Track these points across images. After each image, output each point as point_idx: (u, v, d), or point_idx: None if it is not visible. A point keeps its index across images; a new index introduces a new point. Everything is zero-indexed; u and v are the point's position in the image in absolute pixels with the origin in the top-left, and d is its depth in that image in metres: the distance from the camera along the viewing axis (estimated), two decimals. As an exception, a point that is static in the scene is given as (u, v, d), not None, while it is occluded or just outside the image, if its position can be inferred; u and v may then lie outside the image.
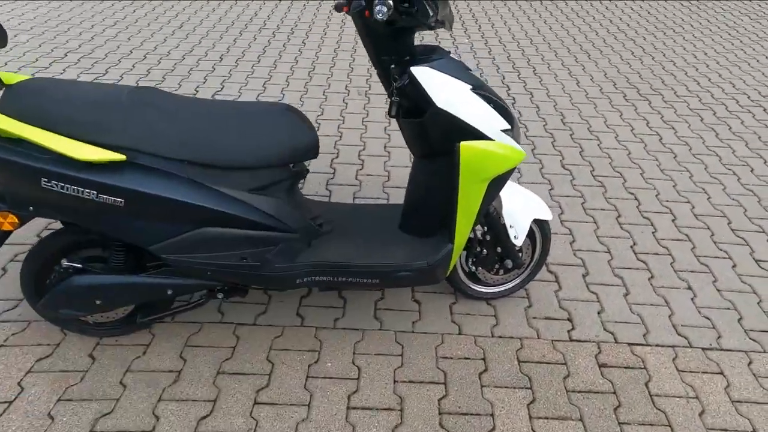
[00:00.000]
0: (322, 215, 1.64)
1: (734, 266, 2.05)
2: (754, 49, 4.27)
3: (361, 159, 2.67)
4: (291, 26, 4.45)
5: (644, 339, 1.74)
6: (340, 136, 2.86)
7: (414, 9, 1.24)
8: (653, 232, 2.22)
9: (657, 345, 1.72)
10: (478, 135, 1.38)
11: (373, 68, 3.67)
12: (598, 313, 1.82)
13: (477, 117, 1.37)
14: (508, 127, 1.42)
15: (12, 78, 1.34)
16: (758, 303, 1.89)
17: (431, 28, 1.25)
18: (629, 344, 1.71)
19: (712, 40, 4.41)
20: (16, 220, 1.34)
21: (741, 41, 4.42)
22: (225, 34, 4.22)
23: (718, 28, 4.67)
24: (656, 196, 2.45)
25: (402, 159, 2.67)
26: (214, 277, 1.44)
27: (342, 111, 3.12)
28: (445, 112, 1.35)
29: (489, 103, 1.40)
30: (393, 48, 1.38)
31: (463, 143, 1.37)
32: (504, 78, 3.62)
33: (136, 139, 1.28)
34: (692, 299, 1.90)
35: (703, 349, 1.71)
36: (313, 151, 1.44)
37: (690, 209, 2.37)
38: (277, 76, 3.53)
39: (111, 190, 1.27)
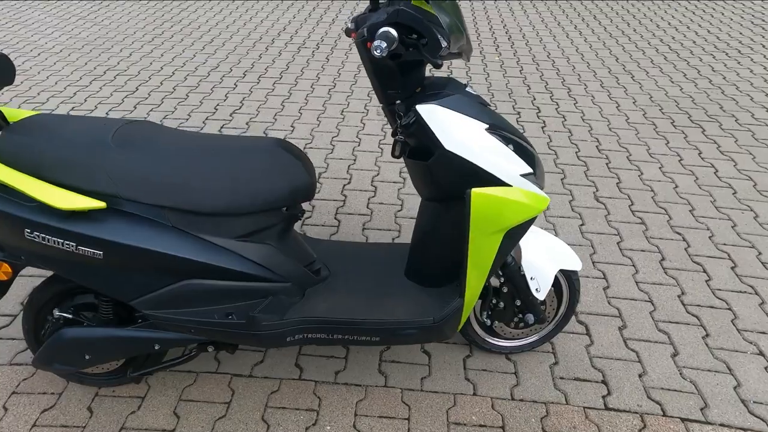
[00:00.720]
0: (320, 258, 1.47)
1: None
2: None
3: (374, 186, 2.49)
4: (317, 41, 4.36)
5: (702, 414, 1.45)
6: (354, 160, 2.70)
7: (422, 42, 1.07)
8: (707, 281, 1.92)
9: (722, 425, 1.43)
10: (493, 180, 1.18)
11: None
12: (640, 376, 1.55)
13: (492, 160, 1.18)
14: (530, 170, 1.22)
15: (16, 115, 1.28)
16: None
17: (438, 66, 1.07)
18: (683, 419, 1.43)
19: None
20: (10, 270, 1.29)
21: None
22: (251, 50, 4.17)
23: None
24: (710, 237, 2.15)
25: (420, 185, 2.48)
26: (199, 334, 1.30)
27: (359, 132, 2.96)
28: (455, 155, 1.17)
29: (507, 143, 1.20)
30: (399, 82, 1.21)
31: (474, 190, 1.18)
32: (534, 99, 3.39)
33: (117, 185, 1.17)
34: (766, 368, 1.60)
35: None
36: (308, 193, 1.28)
37: (755, 255, 2.05)
38: (297, 94, 3.42)
39: (90, 241, 1.16)
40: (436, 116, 1.17)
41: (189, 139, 1.30)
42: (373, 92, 3.41)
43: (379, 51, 1.03)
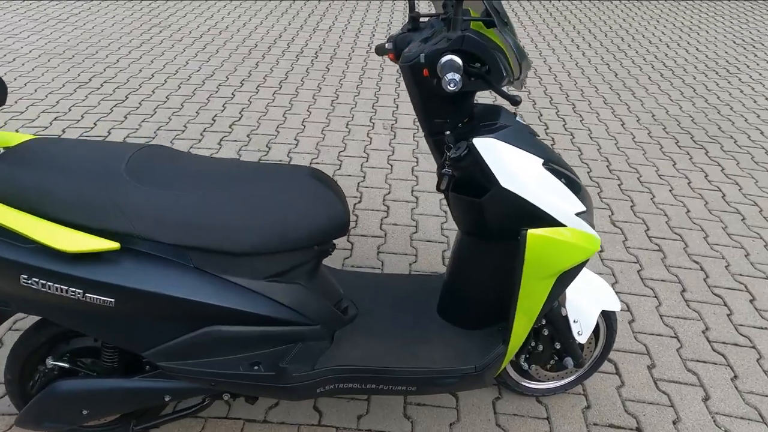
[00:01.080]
0: (345, 292, 1.38)
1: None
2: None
3: (386, 205, 2.41)
4: (315, 49, 4.25)
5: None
6: (364, 177, 2.61)
7: (485, 69, 1.00)
8: (728, 315, 1.90)
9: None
10: (548, 220, 1.11)
11: (400, 99, 3.48)
12: (674, 423, 1.51)
13: (549, 199, 1.10)
14: (584, 209, 1.15)
15: (9, 140, 1.14)
16: None
17: (516, 103, 0.98)
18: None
19: (769, 82, 4.09)
20: None
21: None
22: (248, 57, 4.04)
23: (774, 68, 4.34)
24: (726, 267, 2.13)
25: (430, 206, 2.40)
26: (220, 386, 1.19)
27: (366, 147, 2.88)
28: (511, 193, 1.09)
29: (560, 178, 1.13)
30: (449, 110, 1.13)
31: (530, 232, 1.10)
32: (541, 115, 3.35)
33: (133, 222, 1.04)
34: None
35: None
36: (343, 229, 1.19)
37: (770, 287, 2.05)
38: (298, 105, 3.31)
39: (100, 287, 1.03)
40: (493, 151, 1.09)
41: (211, 167, 1.19)
42: (378, 104, 3.34)
43: (453, 85, 0.95)
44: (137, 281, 1.03)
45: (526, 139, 1.13)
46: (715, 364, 1.70)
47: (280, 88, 3.54)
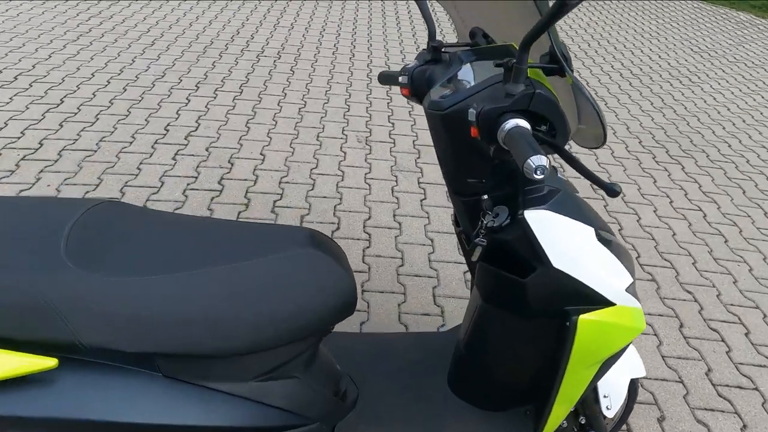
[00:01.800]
0: (341, 364, 1.18)
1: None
2: (772, 104, 4.05)
3: (367, 232, 2.21)
4: (277, 48, 3.95)
5: None
6: (340, 199, 2.39)
7: (553, 133, 0.81)
8: (728, 353, 1.84)
9: None
10: (598, 299, 0.95)
11: (373, 108, 3.26)
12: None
13: (601, 276, 0.93)
14: (631, 280, 1.00)
15: None
16: None
17: (615, 194, 0.76)
18: None
19: (732, 93, 4.17)
20: None
21: (763, 96, 4.19)
22: (202, 56, 3.68)
23: (735, 80, 4.45)
24: (718, 296, 2.09)
25: (415, 234, 2.22)
26: None
27: (340, 163, 2.65)
28: (563, 273, 0.91)
29: (609, 247, 0.97)
30: (487, 169, 0.93)
31: (582, 318, 0.93)
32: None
33: (75, 328, 0.76)
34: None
35: None
36: (351, 309, 0.97)
37: (762, 318, 2.01)
38: (262, 113, 3.03)
39: (29, 425, 0.76)
40: (547, 225, 0.90)
41: (182, 234, 0.93)
42: (350, 113, 3.11)
43: (541, 173, 0.69)
44: (82, 408, 0.77)
45: (575, 204, 0.95)
46: (723, 412, 1.63)
47: (241, 93, 3.24)
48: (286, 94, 3.29)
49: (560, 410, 1.04)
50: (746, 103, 4.02)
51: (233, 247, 0.93)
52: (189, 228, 0.96)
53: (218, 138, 2.75)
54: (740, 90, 4.25)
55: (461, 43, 1.07)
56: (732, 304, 2.06)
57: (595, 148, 0.87)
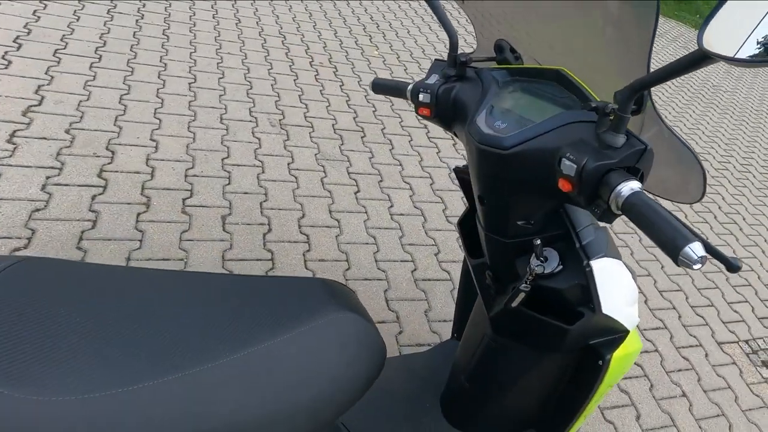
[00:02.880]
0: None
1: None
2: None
3: (304, 233, 1.94)
4: (137, 5, 3.25)
5: None
6: (265, 194, 2.06)
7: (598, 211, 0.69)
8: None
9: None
10: (618, 329, 0.91)
11: (279, 86, 2.85)
12: None
13: (623, 307, 0.89)
14: (636, 299, 0.99)
15: None
16: None
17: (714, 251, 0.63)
18: None
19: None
20: None
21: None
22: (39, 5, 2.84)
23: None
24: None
25: (355, 232, 2.02)
26: None
27: (257, 152, 2.29)
28: (608, 317, 0.84)
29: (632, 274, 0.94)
30: (538, 211, 0.81)
31: (616, 355, 0.88)
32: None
33: None
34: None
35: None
36: (379, 372, 0.77)
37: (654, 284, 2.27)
38: (140, 88, 2.46)
39: None
40: (607, 273, 0.81)
41: (148, 303, 0.62)
42: (253, 91, 2.69)
43: (702, 263, 0.55)
44: None
45: (612, 241, 0.88)
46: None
47: (100, 59, 2.58)
48: (165, 64, 2.73)
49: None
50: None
51: (230, 313, 0.65)
52: (154, 288, 0.65)
53: (82, 117, 2.15)
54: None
55: (488, 57, 0.93)
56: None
57: (690, 203, 0.80)
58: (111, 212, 1.76)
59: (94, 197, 1.80)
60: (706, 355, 2.01)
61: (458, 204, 2.37)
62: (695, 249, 0.55)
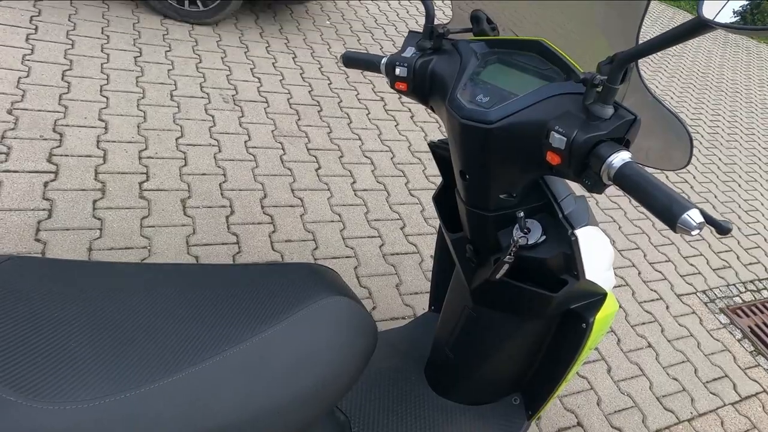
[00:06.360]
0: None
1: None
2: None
3: (268, 214, 1.95)
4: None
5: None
6: (224, 175, 2.04)
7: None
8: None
9: None
10: (598, 291, 0.99)
11: (229, 59, 2.71)
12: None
13: (609, 276, 0.98)
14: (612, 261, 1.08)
15: None
16: None
17: (726, 231, 0.61)
18: None
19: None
20: None
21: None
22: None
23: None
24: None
25: (318, 210, 2.05)
26: None
27: (211, 129, 2.24)
28: (590, 282, 0.92)
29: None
30: (521, 184, 0.83)
31: (598, 317, 0.97)
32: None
33: None
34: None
35: None
36: (374, 347, 0.82)
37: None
38: (83, 63, 2.32)
39: None
40: (591, 241, 0.86)
41: (153, 301, 0.64)
42: (203, 65, 2.58)
43: (700, 228, 0.57)
44: None
45: (591, 211, 0.95)
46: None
47: (36, 30, 2.40)
48: (108, 36, 2.57)
49: (557, 393, 1.11)
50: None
51: (223, 309, 0.67)
52: (152, 288, 0.67)
53: (23, 96, 2.02)
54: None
55: (464, 29, 0.92)
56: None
57: (674, 170, 0.82)
58: (66, 200, 1.70)
59: (46, 184, 1.72)
60: (667, 308, 2.20)
61: (419, 177, 2.43)
62: (693, 216, 0.56)
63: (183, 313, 0.64)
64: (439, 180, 2.44)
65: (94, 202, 1.73)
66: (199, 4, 2.85)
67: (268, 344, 0.63)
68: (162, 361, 0.57)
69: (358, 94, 2.89)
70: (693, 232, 0.57)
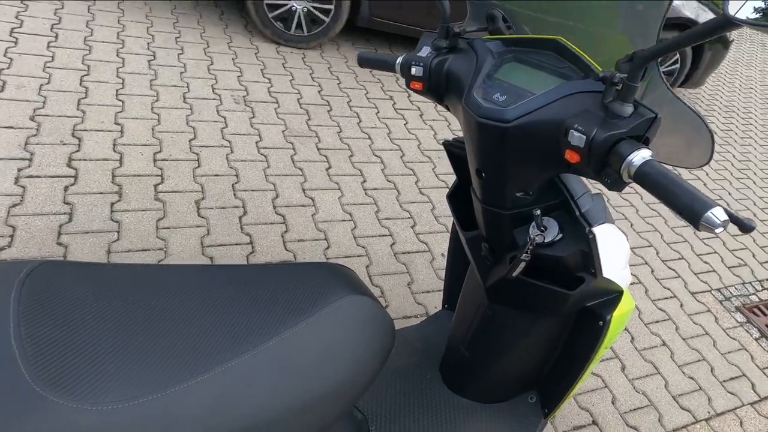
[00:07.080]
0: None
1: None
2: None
3: (280, 214, 1.97)
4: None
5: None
6: (237, 176, 2.06)
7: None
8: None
9: None
10: (613, 289, 0.99)
11: (240, 60, 2.72)
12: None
13: (624, 271, 0.97)
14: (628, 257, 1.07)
15: None
16: None
17: (733, 215, 0.63)
18: None
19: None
20: None
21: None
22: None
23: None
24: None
25: (329, 209, 2.07)
26: None
27: (223, 131, 2.26)
28: (608, 280, 0.91)
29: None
30: (537, 182, 0.83)
31: (615, 315, 0.97)
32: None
33: None
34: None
35: None
36: (391, 348, 0.83)
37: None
38: (99, 68, 2.35)
39: None
40: (608, 239, 0.85)
41: (185, 302, 0.65)
42: (216, 69, 2.61)
43: (724, 227, 0.56)
44: None
45: (608, 208, 0.95)
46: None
47: (56, 38, 2.44)
48: (123, 41, 2.61)
49: (573, 391, 1.11)
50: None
51: (233, 296, 0.68)
52: (176, 288, 0.68)
53: (45, 102, 2.06)
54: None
55: (480, 28, 0.92)
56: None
57: (695, 167, 0.81)
58: (85, 203, 1.73)
59: (66, 188, 1.76)
60: (681, 306, 2.17)
61: (430, 175, 2.44)
62: (717, 214, 0.55)
63: (208, 313, 0.65)
64: (449, 178, 2.44)
65: (112, 204, 1.76)
66: (304, 29, 2.96)
67: (293, 343, 0.64)
68: (191, 360, 0.58)
69: (367, 93, 2.90)
70: (717, 230, 0.55)
